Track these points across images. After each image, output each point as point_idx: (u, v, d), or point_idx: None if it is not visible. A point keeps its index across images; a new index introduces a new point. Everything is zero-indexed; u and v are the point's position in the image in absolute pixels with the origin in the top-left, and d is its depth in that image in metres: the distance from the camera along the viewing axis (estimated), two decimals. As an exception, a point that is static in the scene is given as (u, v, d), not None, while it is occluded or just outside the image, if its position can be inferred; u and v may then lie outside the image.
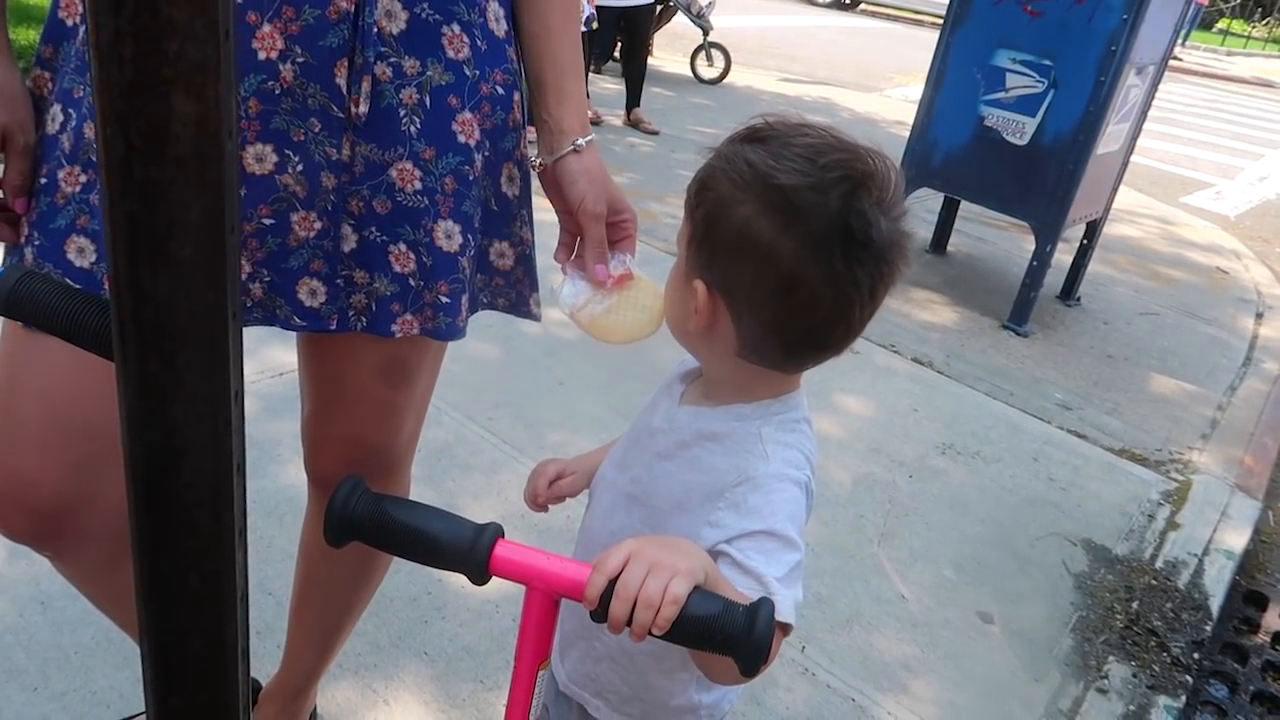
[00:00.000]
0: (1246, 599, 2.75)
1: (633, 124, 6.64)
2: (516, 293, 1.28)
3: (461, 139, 1.10)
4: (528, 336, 3.15)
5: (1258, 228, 7.16)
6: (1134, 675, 2.23)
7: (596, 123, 6.44)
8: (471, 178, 1.12)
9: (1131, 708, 2.13)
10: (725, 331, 0.90)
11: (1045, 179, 4.02)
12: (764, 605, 0.72)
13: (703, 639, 0.72)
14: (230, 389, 0.52)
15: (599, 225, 1.15)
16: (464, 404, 2.81)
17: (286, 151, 1.04)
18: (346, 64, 1.02)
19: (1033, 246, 4.15)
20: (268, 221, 1.06)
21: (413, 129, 1.06)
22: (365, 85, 1.03)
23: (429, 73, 1.06)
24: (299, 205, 1.06)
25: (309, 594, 1.50)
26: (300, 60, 1.00)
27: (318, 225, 1.08)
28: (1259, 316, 4.94)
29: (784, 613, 0.81)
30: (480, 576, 0.78)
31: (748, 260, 0.85)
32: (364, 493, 0.79)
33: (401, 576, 2.06)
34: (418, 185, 1.08)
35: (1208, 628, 2.45)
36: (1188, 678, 2.26)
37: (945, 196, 4.80)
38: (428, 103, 1.06)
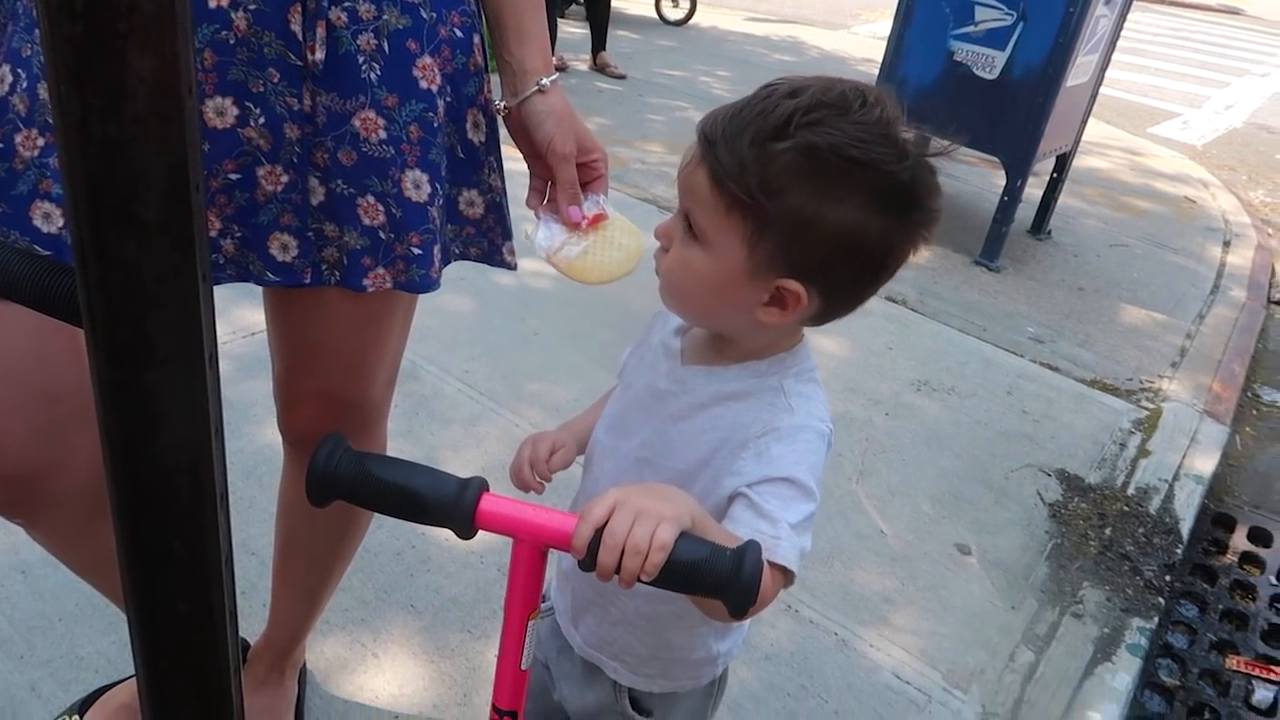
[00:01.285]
0: (1215, 521, 2.82)
1: (599, 68, 6.55)
2: (489, 242, 1.26)
3: (424, 85, 1.07)
4: (502, 288, 3.13)
5: (1224, 156, 7.20)
6: (1108, 599, 2.29)
7: (562, 68, 6.33)
8: (436, 124, 1.10)
9: (1106, 630, 2.19)
10: (796, 313, 0.88)
11: (1015, 113, 4.01)
12: (750, 548, 0.73)
13: (691, 583, 0.73)
14: (204, 352, 0.51)
15: (569, 166, 1.13)
16: (439, 357, 2.79)
17: (247, 104, 1.02)
18: (300, 9, 0.99)
19: (1003, 182, 4.16)
20: (234, 176, 1.04)
21: (373, 76, 1.04)
22: (320, 31, 1.00)
23: (385, 16, 1.03)
24: (264, 159, 1.04)
25: (291, 554, 1.50)
26: (252, 7, 0.98)
27: (284, 179, 1.06)
28: (1226, 244, 4.99)
29: (790, 560, 0.83)
30: (466, 531, 0.78)
31: (855, 254, 0.85)
32: (345, 451, 0.78)
33: (385, 531, 2.07)
34: (382, 135, 1.06)
35: (1178, 551, 2.51)
36: (1159, 599, 2.33)
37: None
38: (386, 48, 1.04)
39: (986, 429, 2.93)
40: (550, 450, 1.10)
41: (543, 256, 1.14)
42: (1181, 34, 13.08)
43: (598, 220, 1.15)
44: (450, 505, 0.77)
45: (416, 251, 1.12)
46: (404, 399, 2.55)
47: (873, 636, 2.06)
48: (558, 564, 1.18)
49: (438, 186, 1.12)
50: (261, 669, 1.58)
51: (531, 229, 1.17)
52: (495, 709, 0.89)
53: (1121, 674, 2.08)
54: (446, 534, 0.82)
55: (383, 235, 1.11)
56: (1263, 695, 2.18)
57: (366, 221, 1.10)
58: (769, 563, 0.80)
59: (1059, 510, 2.59)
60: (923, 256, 4.20)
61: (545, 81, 1.13)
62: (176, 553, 0.57)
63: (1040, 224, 4.68)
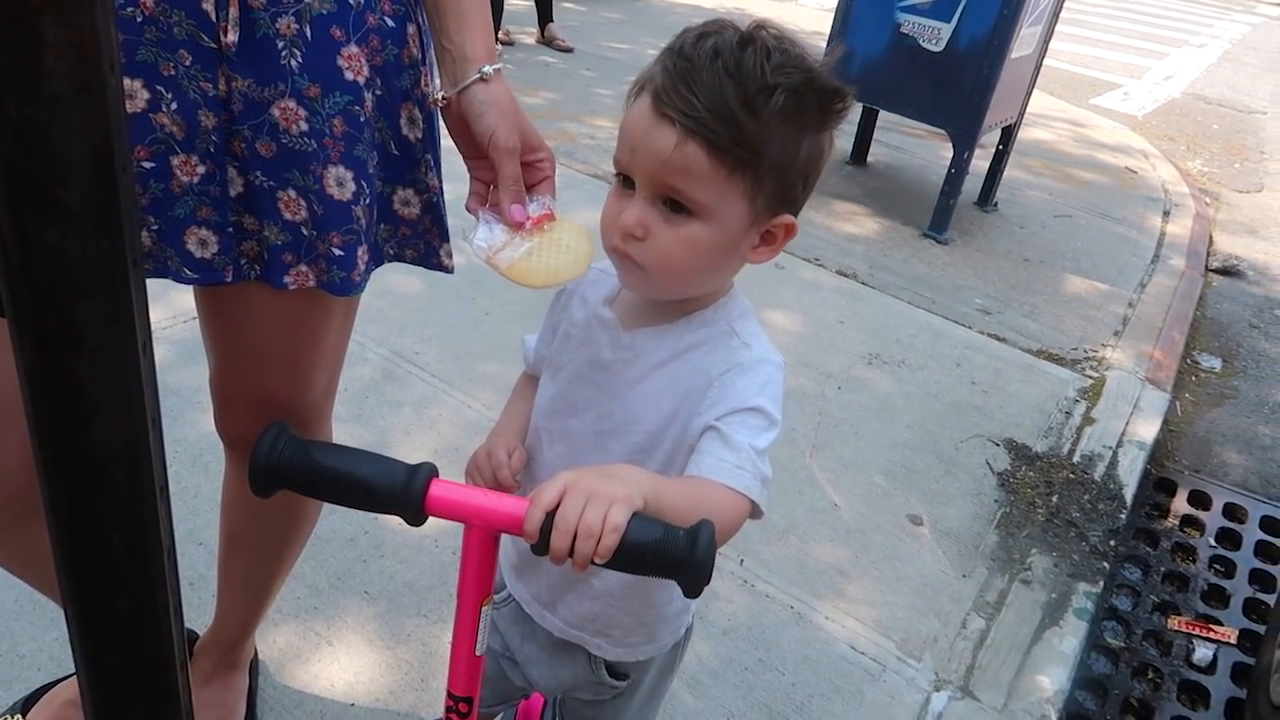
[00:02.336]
0: (1157, 486, 2.89)
1: (546, 41, 6.47)
2: (425, 244, 1.21)
3: (349, 76, 1.02)
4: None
5: (1164, 127, 7.35)
6: (1055, 565, 2.34)
7: (509, 42, 6.25)
8: (363, 119, 1.04)
9: (1053, 596, 2.24)
10: (785, 242, 0.96)
11: (961, 85, 4.04)
12: (704, 527, 0.72)
13: (645, 564, 0.72)
14: (137, 340, 0.49)
15: (513, 161, 1.06)
16: (388, 339, 2.76)
17: (158, 87, 0.96)
18: None
19: (950, 154, 4.20)
20: (147, 165, 0.98)
21: (294, 63, 0.98)
22: (233, 11, 0.94)
23: (307, 0, 0.98)
24: (178, 147, 0.99)
25: (236, 550, 1.46)
26: None
27: (201, 169, 1.01)
28: (1166, 214, 5.10)
29: (754, 489, 0.88)
30: (416, 518, 0.77)
31: (818, 167, 0.93)
32: (289, 439, 0.77)
33: (337, 517, 2.04)
34: (303, 126, 1.01)
35: (1122, 516, 2.58)
36: (1105, 564, 2.38)
37: (864, 107, 4.80)
38: (308, 33, 0.98)
39: (936, 400, 2.97)
40: (507, 455, 1.07)
41: (480, 258, 1.06)
42: (1122, 5, 13.29)
43: (543, 220, 1.08)
44: (399, 493, 0.76)
45: (338, 252, 1.07)
46: (353, 383, 2.52)
47: (828, 609, 2.09)
48: (516, 554, 1.17)
49: (364, 185, 1.07)
50: (209, 663, 1.55)
51: (470, 230, 1.09)
52: (450, 695, 0.88)
53: (1069, 638, 2.13)
54: (400, 519, 0.81)
55: (305, 231, 1.06)
56: (1203, 653, 2.25)
57: (288, 216, 1.04)
58: (728, 486, 0.87)
59: (1007, 479, 2.64)
60: (872, 229, 4.24)
61: (488, 69, 1.06)
62: (115, 547, 0.55)
63: (987, 196, 4.74)
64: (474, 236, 1.07)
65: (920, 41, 4.10)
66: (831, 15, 4.43)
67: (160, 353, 2.42)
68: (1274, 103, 8.97)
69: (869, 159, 5.07)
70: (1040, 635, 2.12)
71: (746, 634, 1.98)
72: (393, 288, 2.94)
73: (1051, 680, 2.00)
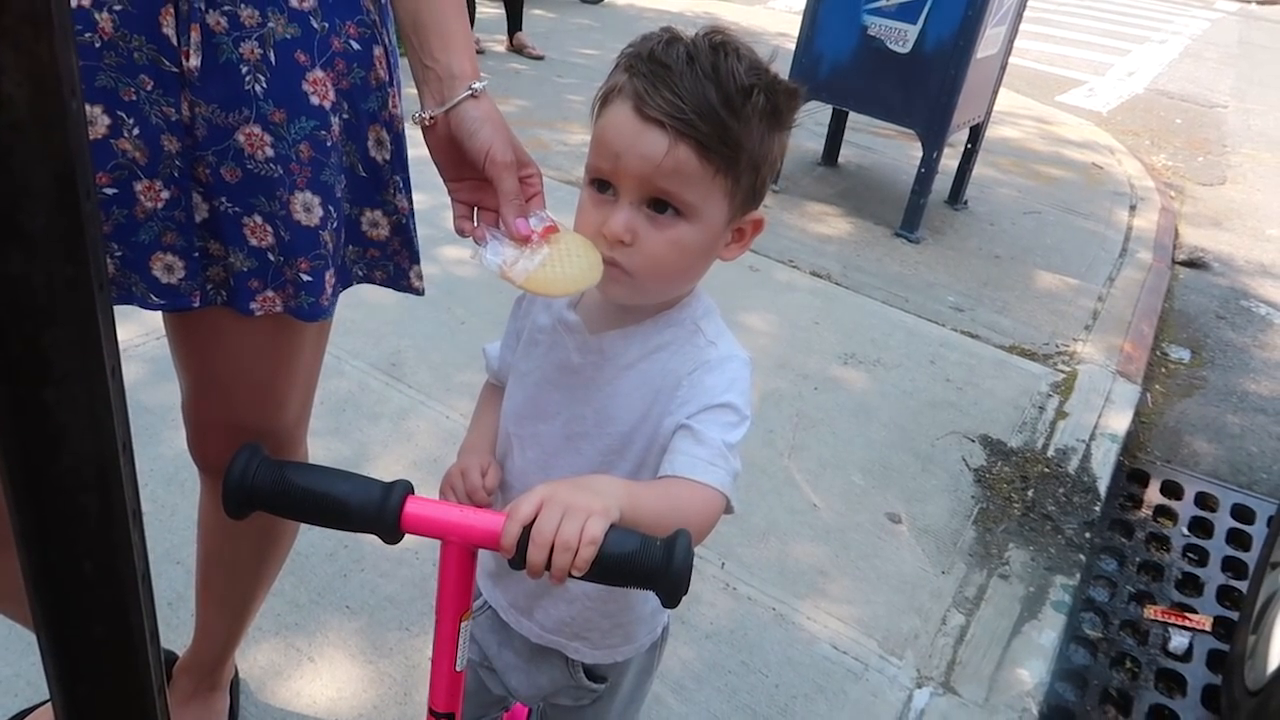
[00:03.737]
0: (1130, 477, 2.93)
1: (515, 49, 6.46)
2: (395, 265, 1.20)
3: (315, 100, 1.01)
4: (427, 278, 3.07)
5: (1128, 122, 7.44)
6: (1032, 559, 2.36)
7: (479, 51, 6.24)
8: (329, 144, 1.03)
9: (1031, 589, 2.26)
10: (754, 237, 1.00)
11: (929, 85, 4.08)
12: (680, 538, 0.73)
13: (622, 576, 0.72)
14: (105, 365, 0.49)
15: (511, 175, 1.03)
16: (365, 351, 2.74)
17: (119, 113, 0.95)
18: (173, 11, 0.92)
19: (920, 154, 4.23)
20: (109, 191, 0.97)
21: (258, 88, 0.97)
22: (194, 35, 0.93)
23: (271, 24, 0.96)
24: (141, 173, 0.98)
25: (213, 572, 1.45)
26: (118, 8, 0.91)
27: (165, 195, 0.99)
28: (1132, 208, 5.16)
29: (725, 484, 0.90)
30: (392, 536, 0.76)
31: (778, 162, 0.97)
32: (262, 460, 0.76)
33: (316, 533, 2.02)
34: (269, 152, 1.00)
35: (1096, 508, 2.61)
36: (1081, 556, 2.41)
37: (833, 108, 4.84)
38: (272, 58, 0.97)
39: (912, 398, 2.99)
40: (481, 474, 1.05)
41: (496, 274, 1.04)
42: (1084, 3, 13.44)
43: (548, 233, 1.05)
44: (375, 511, 0.76)
45: (305, 278, 1.06)
46: (329, 396, 2.50)
47: (809, 609, 2.09)
48: (494, 562, 1.16)
49: (331, 210, 1.06)
50: (189, 684, 1.53)
51: (478, 249, 1.07)
52: (432, 712, 0.88)
53: (1047, 630, 2.15)
54: None
55: (271, 257, 1.05)
56: (1178, 642, 2.28)
57: (254, 242, 1.04)
58: (702, 483, 0.88)
59: (983, 475, 2.66)
60: (844, 230, 4.27)
61: (478, 86, 1.04)
62: (88, 575, 0.54)
63: (957, 194, 4.78)
64: (483, 255, 1.05)
65: (887, 43, 4.13)
66: (800, 18, 4.46)
67: (134, 370, 2.40)
68: (1234, 97, 9.11)
69: (840, 160, 5.10)
70: (1019, 629, 2.14)
71: (729, 637, 1.98)
72: (367, 299, 2.92)
73: (1031, 673, 2.02)
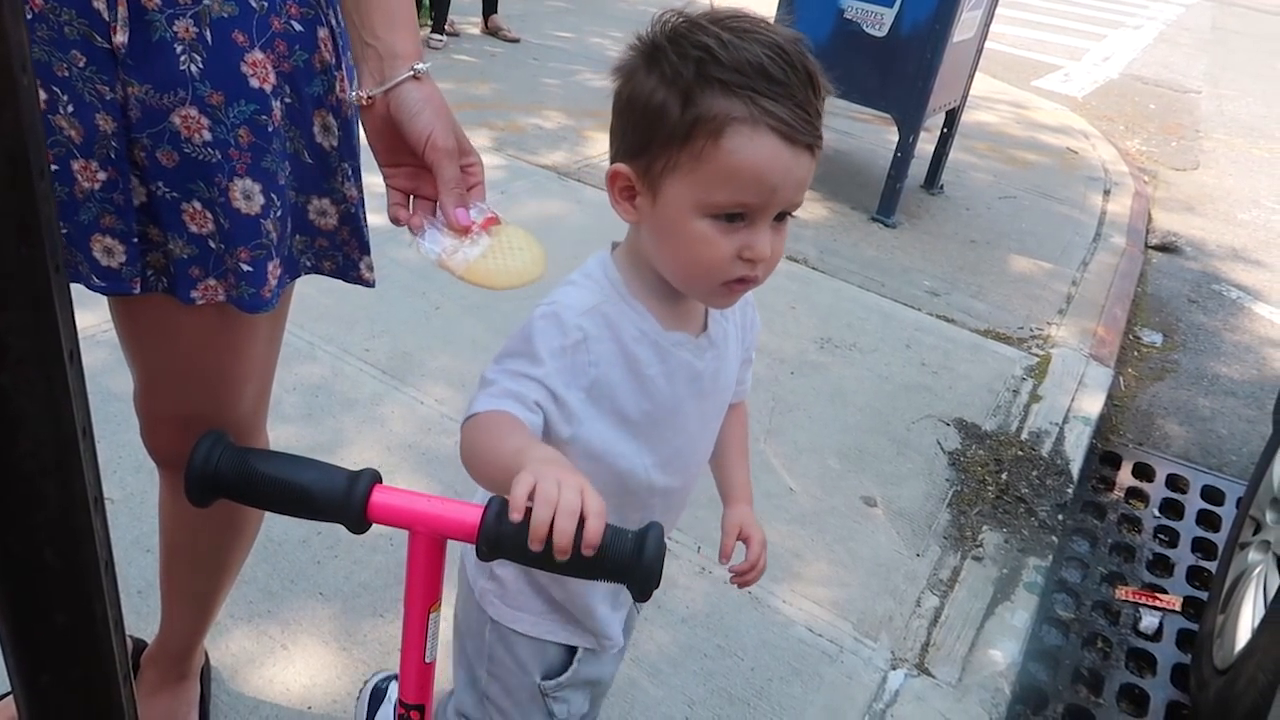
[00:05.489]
0: (1103, 459, 2.96)
1: (491, 32, 6.41)
2: (344, 256, 1.17)
3: (254, 83, 0.97)
4: (400, 263, 3.06)
5: (1103, 107, 7.48)
6: (1006, 541, 2.38)
7: (454, 33, 6.18)
8: (271, 129, 1.00)
9: (1004, 571, 2.28)
10: None
11: (905, 69, 4.08)
12: (652, 529, 0.72)
13: (590, 569, 0.71)
14: (63, 349, 0.48)
15: (453, 162, 0.99)
16: (338, 337, 2.72)
17: (53, 88, 0.92)
18: None
19: (896, 138, 4.24)
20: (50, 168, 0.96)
21: (193, 69, 0.94)
22: (121, 10, 0.90)
23: (206, 1, 0.93)
24: (77, 152, 0.95)
25: (175, 564, 1.43)
26: None
27: (101, 176, 0.97)
28: (1106, 193, 5.20)
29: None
30: (358, 526, 0.75)
31: None
32: (226, 447, 0.75)
33: (288, 520, 1.99)
34: (206, 136, 0.97)
35: (1069, 490, 2.63)
36: (1053, 538, 2.43)
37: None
38: (208, 38, 0.94)
39: (888, 382, 3.01)
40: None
41: (434, 263, 1.00)
42: (1060, -10, 13.51)
43: (489, 224, 1.02)
44: (340, 500, 0.75)
45: (246, 268, 1.03)
46: (302, 381, 2.48)
47: (785, 592, 2.10)
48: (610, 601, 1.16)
49: (274, 197, 1.03)
50: (156, 674, 1.52)
51: (412, 237, 1.03)
52: (402, 704, 0.87)
53: (1020, 611, 2.17)
54: None
55: (212, 245, 1.02)
56: (1149, 621, 2.31)
57: (194, 228, 1.01)
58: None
59: (958, 458, 2.68)
60: (821, 214, 4.27)
61: (421, 67, 1.00)
62: (49, 562, 0.53)
63: (933, 179, 4.80)
64: (421, 243, 1.01)
65: (864, 27, 4.13)
66: (776, 1, 4.44)
67: (100, 356, 2.36)
68: (1208, 82, 9.19)
69: (816, 144, 5.09)
70: (993, 610, 2.16)
71: (705, 621, 1.99)
72: (340, 284, 2.90)
73: (1004, 654, 2.04)
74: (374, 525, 0.77)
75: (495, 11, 6.43)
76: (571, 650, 1.16)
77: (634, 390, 0.99)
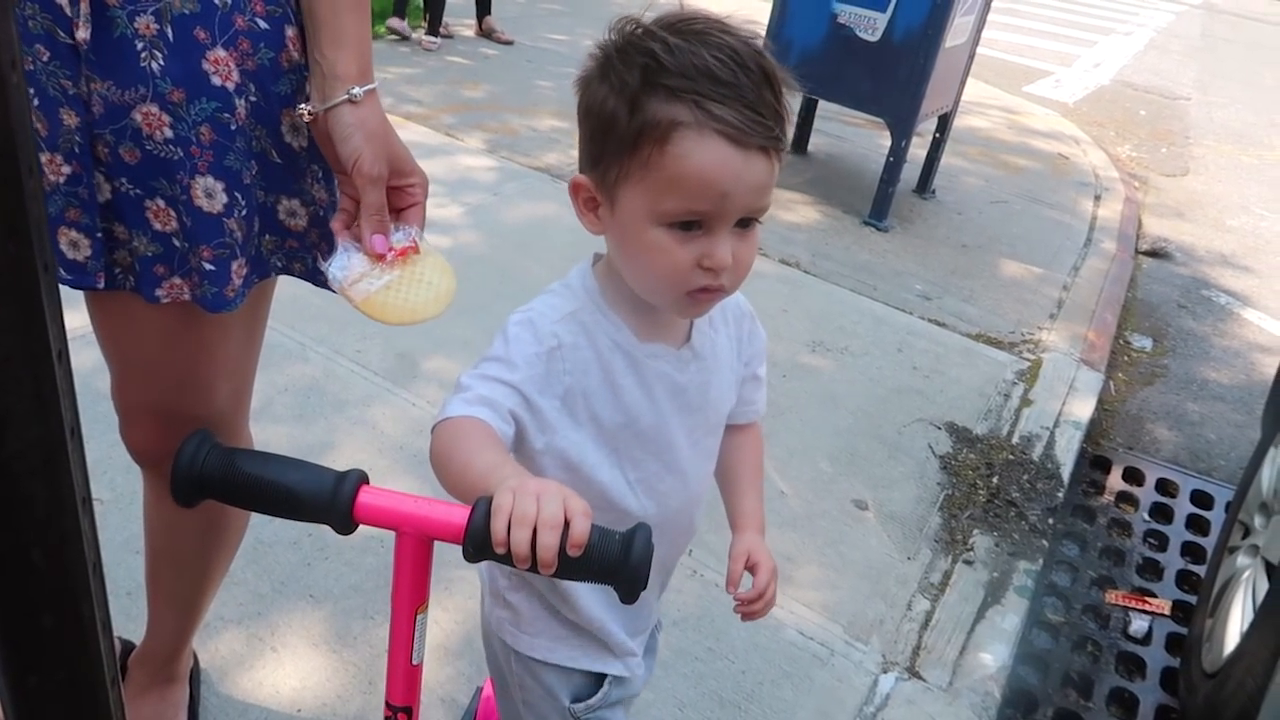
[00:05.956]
0: (1093, 464, 2.96)
1: (485, 34, 6.41)
2: (313, 258, 1.16)
3: (216, 81, 0.97)
4: (392, 263, 3.05)
5: (1094, 113, 7.52)
6: (996, 545, 2.39)
7: (449, 35, 6.18)
8: (234, 127, 1.00)
9: (995, 575, 2.29)
10: None
11: (898, 74, 4.09)
12: (640, 531, 0.72)
13: (580, 569, 0.71)
14: (50, 348, 0.48)
15: (377, 190, 1.01)
16: (330, 338, 2.71)
17: None
18: None
19: (889, 143, 4.25)
20: None
21: (154, 66, 0.94)
22: (83, 6, 0.90)
23: None
24: (42, 144, 0.95)
25: (159, 566, 1.42)
26: None
27: (66, 169, 0.97)
28: (1097, 198, 5.22)
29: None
30: (345, 526, 0.75)
31: None
32: (213, 447, 0.74)
33: (278, 522, 1.98)
34: (168, 133, 0.97)
35: (1060, 494, 2.64)
36: (1044, 542, 2.44)
37: (803, 96, 4.84)
38: (170, 34, 0.94)
39: (879, 386, 3.01)
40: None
41: (335, 289, 1.01)
42: (1051, -4, 13.57)
43: (406, 253, 1.02)
44: (327, 500, 0.74)
45: (209, 267, 1.03)
46: (293, 382, 2.47)
47: (776, 595, 2.10)
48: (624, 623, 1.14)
49: (237, 196, 1.02)
50: (144, 676, 1.51)
51: (327, 256, 1.04)
52: (389, 705, 0.86)
53: (1011, 615, 2.17)
54: None
55: (176, 243, 1.02)
56: (1139, 625, 2.32)
57: (158, 226, 1.01)
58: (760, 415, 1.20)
59: (949, 461, 2.69)
60: (813, 218, 4.28)
61: (357, 91, 1.00)
62: (36, 563, 0.53)
63: (925, 183, 4.81)
64: (330, 263, 1.02)
65: (857, 31, 4.14)
66: (769, 5, 4.45)
67: (90, 357, 2.33)
68: (1198, 89, 9.23)
69: (809, 148, 5.11)
70: (983, 614, 2.16)
71: (696, 624, 1.99)
72: (332, 285, 2.90)
73: (994, 657, 2.04)
74: (363, 527, 0.77)
75: (489, 13, 6.43)
76: (600, 674, 1.14)
77: (610, 400, 0.97)
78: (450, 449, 0.84)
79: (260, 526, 1.95)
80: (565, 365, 0.94)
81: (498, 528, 0.69)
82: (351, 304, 1.01)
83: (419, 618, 0.82)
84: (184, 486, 0.74)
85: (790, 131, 0.89)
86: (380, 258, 1.02)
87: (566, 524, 0.69)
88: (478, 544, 0.70)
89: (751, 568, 1.14)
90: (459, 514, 0.73)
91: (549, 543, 0.68)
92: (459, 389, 0.92)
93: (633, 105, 0.85)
